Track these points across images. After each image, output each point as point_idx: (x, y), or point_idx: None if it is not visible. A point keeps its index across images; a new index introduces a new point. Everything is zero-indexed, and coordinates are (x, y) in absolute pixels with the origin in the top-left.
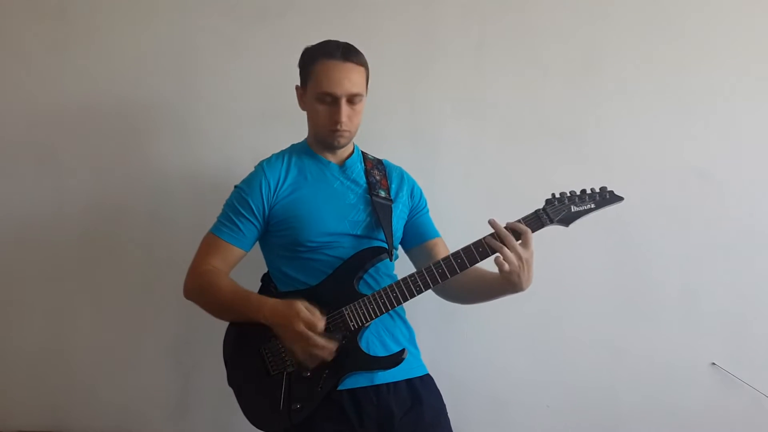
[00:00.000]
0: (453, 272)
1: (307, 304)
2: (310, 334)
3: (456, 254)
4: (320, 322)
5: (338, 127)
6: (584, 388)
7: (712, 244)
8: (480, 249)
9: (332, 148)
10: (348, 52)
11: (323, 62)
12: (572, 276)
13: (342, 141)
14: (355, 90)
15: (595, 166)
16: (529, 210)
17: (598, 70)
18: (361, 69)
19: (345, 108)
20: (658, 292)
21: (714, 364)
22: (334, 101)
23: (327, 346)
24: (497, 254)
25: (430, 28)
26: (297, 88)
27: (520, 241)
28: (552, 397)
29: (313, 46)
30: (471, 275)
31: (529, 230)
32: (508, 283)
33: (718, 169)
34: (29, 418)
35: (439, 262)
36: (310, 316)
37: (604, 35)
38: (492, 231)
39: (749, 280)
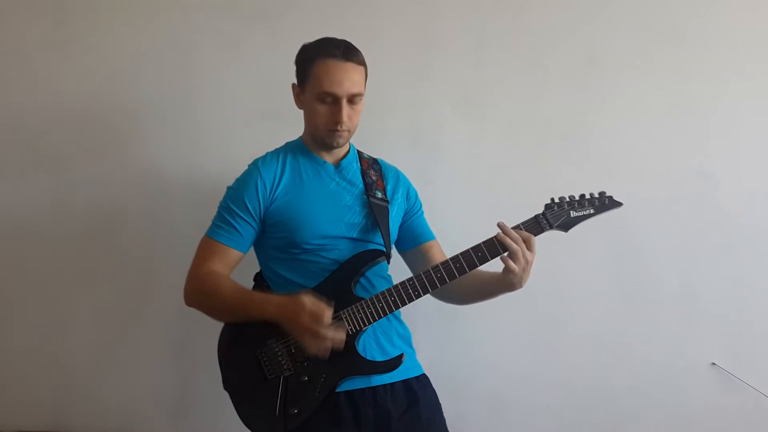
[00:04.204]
0: (452, 277)
1: (312, 296)
2: (317, 327)
3: (455, 258)
4: (327, 313)
5: (339, 127)
6: (584, 388)
7: (712, 244)
8: (479, 254)
9: (330, 147)
10: (348, 51)
11: (323, 61)
12: (572, 275)
13: (341, 141)
14: (355, 90)
15: (595, 167)
16: (528, 210)
17: (598, 71)
18: (361, 68)
19: (346, 108)
20: (658, 292)
21: (714, 364)
22: (334, 101)
23: (335, 336)
24: (503, 254)
25: (430, 28)
26: (294, 86)
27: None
28: (552, 397)
29: (311, 44)
30: (469, 276)
31: (533, 236)
32: (507, 283)
33: (718, 169)
34: (29, 418)
35: (437, 266)
36: (316, 308)
37: (604, 35)
38: (495, 233)
39: (749, 280)
